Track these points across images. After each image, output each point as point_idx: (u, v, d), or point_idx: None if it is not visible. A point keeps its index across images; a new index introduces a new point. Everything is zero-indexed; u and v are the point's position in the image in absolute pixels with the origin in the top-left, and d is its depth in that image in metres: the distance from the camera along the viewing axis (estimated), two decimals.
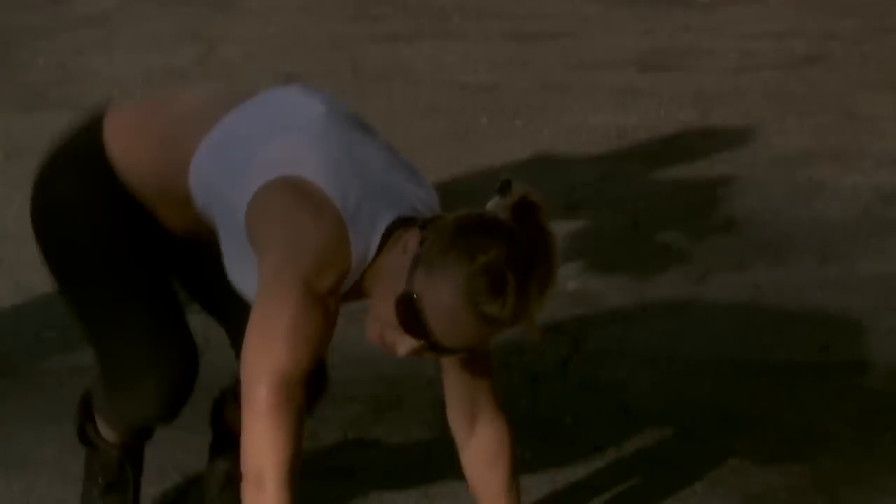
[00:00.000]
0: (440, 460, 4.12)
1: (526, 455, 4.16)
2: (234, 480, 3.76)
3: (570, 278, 5.38)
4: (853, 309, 5.21)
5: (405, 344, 3.38)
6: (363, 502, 4.14)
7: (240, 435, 3.47)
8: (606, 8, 8.56)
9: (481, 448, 3.72)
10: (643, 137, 6.68)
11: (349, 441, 4.41)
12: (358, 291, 3.50)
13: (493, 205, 5.14)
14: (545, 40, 8.03)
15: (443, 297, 3.30)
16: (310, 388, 3.56)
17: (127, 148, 3.73)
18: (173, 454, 4.28)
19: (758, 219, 5.89)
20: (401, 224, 3.46)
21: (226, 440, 3.99)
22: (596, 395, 4.70)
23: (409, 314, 3.34)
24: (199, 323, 3.89)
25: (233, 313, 3.78)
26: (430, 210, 3.53)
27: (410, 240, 3.40)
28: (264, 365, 3.38)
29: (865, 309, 5.21)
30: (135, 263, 3.79)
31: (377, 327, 3.42)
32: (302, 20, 8.53)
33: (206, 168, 3.58)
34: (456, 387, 3.71)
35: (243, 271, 3.54)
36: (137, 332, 3.76)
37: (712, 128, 6.79)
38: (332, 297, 3.43)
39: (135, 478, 4.02)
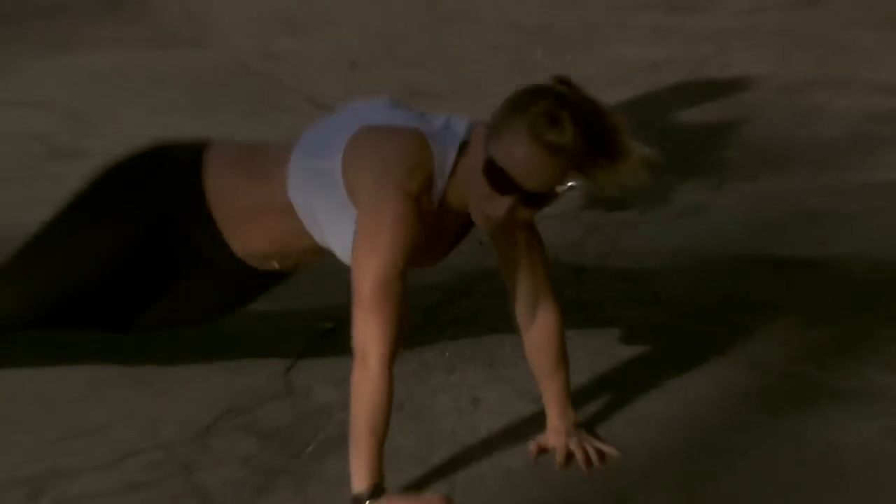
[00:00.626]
0: (502, 337, 4.18)
1: (571, 333, 4.20)
2: None
3: (607, 190, 5.37)
4: (844, 211, 5.21)
5: (502, 205, 3.41)
6: (435, 371, 4.19)
7: None
8: None
9: (539, 332, 3.78)
10: (670, 69, 6.65)
11: (429, 322, 4.45)
12: (448, 205, 3.54)
13: None
14: None
15: (515, 148, 3.35)
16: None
17: (223, 177, 3.79)
18: None
19: (764, 137, 5.88)
20: (465, 145, 3.52)
21: None
22: (629, 284, 4.72)
23: (495, 174, 3.39)
24: None
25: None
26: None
27: (479, 134, 3.48)
28: (370, 262, 3.43)
29: (854, 211, 5.21)
30: (132, 256, 3.88)
31: (478, 214, 3.48)
32: None
33: (301, 164, 3.66)
34: (519, 284, 3.75)
35: (347, 235, 3.54)
36: (38, 284, 3.91)
37: (728, 60, 6.75)
38: (424, 196, 3.48)
39: None
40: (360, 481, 3.45)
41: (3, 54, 6.92)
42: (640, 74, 6.58)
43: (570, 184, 4.94)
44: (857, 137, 5.87)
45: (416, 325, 4.25)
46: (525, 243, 3.71)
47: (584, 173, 3.45)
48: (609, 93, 6.27)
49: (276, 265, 3.90)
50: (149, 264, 3.89)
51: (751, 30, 7.12)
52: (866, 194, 5.36)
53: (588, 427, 3.86)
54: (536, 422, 3.84)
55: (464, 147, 3.53)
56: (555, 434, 3.79)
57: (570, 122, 3.33)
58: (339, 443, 3.61)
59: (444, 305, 4.56)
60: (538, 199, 3.44)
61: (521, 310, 3.79)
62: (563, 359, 3.81)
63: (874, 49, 6.77)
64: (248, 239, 3.82)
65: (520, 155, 3.35)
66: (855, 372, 4.13)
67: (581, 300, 4.56)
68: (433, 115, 3.67)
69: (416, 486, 3.63)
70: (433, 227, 3.56)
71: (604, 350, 4.26)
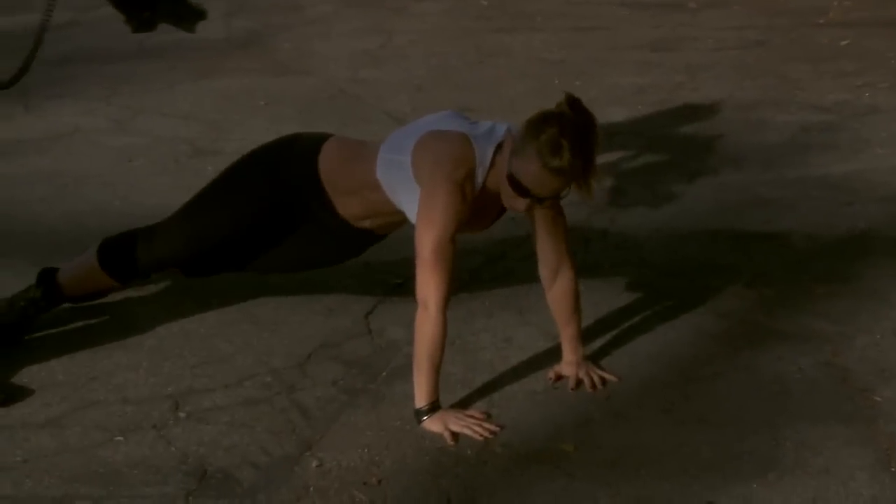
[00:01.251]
0: (528, 290, 4.09)
1: (581, 288, 4.11)
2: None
3: (608, 177, 5.30)
4: (784, 198, 5.10)
5: (521, 203, 3.45)
6: (477, 316, 4.10)
7: None
8: (631, 11, 8.43)
9: (559, 290, 3.71)
10: (654, 92, 6.57)
11: (473, 278, 4.36)
12: (488, 190, 3.52)
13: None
14: (593, 32, 7.92)
15: (528, 167, 3.37)
16: None
17: (332, 160, 3.78)
18: None
19: (724, 142, 5.78)
20: (501, 146, 3.51)
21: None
22: (624, 251, 4.62)
23: (515, 184, 3.41)
24: None
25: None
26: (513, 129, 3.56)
27: (507, 144, 3.47)
28: (428, 233, 3.42)
29: (792, 198, 5.10)
30: (265, 215, 3.84)
31: (508, 202, 3.51)
32: (445, 19, 8.44)
33: (385, 156, 3.64)
34: (545, 247, 3.68)
35: (414, 203, 3.53)
36: (204, 232, 3.87)
37: (697, 86, 6.67)
38: (467, 182, 3.47)
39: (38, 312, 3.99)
40: (420, 399, 3.46)
41: (162, 79, 6.92)
42: (631, 96, 6.51)
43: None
44: (794, 143, 5.77)
45: (463, 281, 4.18)
46: (552, 220, 3.65)
47: (577, 184, 3.42)
48: (607, 110, 6.29)
49: (368, 225, 3.84)
50: (276, 220, 3.85)
51: (714, 64, 7.06)
52: (801, 185, 5.24)
53: (593, 359, 3.80)
54: (555, 355, 3.77)
55: (500, 147, 3.52)
56: (568, 365, 3.72)
57: (569, 150, 3.30)
58: (406, 370, 3.57)
59: (485, 266, 4.48)
60: (549, 198, 3.47)
61: (544, 271, 3.72)
62: (577, 309, 3.73)
63: (806, 78, 6.71)
64: (349, 205, 3.78)
65: (530, 173, 3.38)
66: (795, 319, 4.05)
67: (588, 263, 4.46)
68: (482, 122, 3.66)
69: (462, 404, 3.59)
70: (477, 206, 3.54)
71: (604, 301, 4.18)
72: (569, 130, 3.32)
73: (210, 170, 5.34)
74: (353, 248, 4.00)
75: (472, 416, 3.46)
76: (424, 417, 3.43)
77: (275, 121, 6.05)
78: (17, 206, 5.12)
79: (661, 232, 4.77)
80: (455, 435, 3.39)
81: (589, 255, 4.55)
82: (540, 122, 3.36)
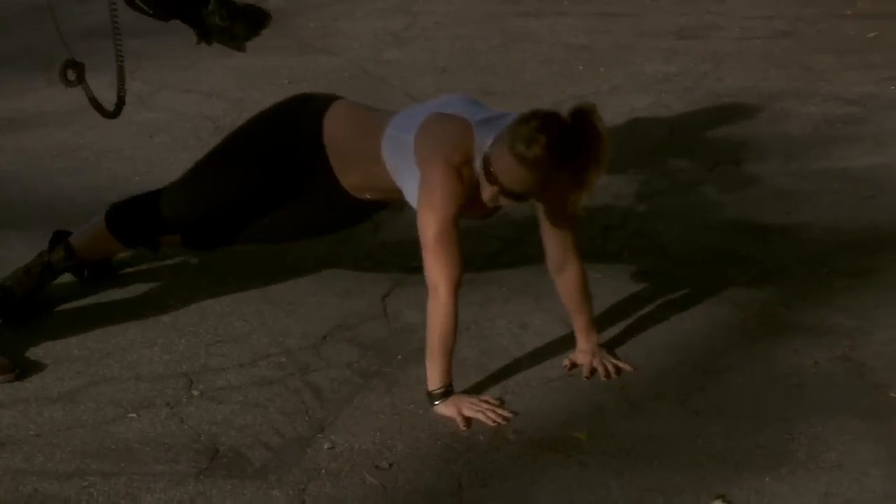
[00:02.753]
0: (547, 276, 4.04)
1: (598, 276, 4.11)
2: None
3: (630, 165, 5.28)
4: (806, 190, 5.06)
5: (489, 191, 3.41)
6: (494, 301, 4.09)
7: None
8: None
9: (566, 282, 3.69)
10: (679, 80, 6.53)
11: (487, 264, 4.33)
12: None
13: None
14: (620, 17, 7.87)
15: (500, 153, 3.35)
16: None
17: (336, 125, 3.74)
18: None
19: (747, 132, 5.73)
20: None
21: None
22: (643, 240, 4.59)
23: (485, 168, 3.38)
24: None
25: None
26: None
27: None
28: (429, 217, 3.40)
29: (814, 190, 5.05)
30: (268, 176, 3.81)
31: (482, 190, 3.46)
32: (471, 2, 8.39)
33: (392, 133, 3.60)
34: (550, 243, 3.67)
35: (412, 183, 3.52)
36: (209, 194, 3.88)
37: (722, 75, 6.62)
38: (464, 167, 3.43)
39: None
40: (433, 383, 3.45)
41: (186, 56, 6.90)
42: (656, 84, 6.46)
43: None
44: (817, 135, 5.71)
45: (480, 266, 4.18)
46: (558, 212, 3.59)
47: (549, 186, 3.40)
48: (631, 97, 6.26)
49: (369, 196, 3.82)
50: (279, 185, 3.82)
51: (739, 53, 7.00)
52: (824, 178, 5.19)
53: (608, 348, 3.78)
54: (570, 342, 3.76)
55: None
56: (582, 353, 3.71)
57: (543, 146, 3.26)
58: (421, 354, 3.55)
59: (503, 251, 4.46)
60: (515, 195, 3.41)
61: (551, 264, 3.70)
62: (587, 299, 3.71)
63: (831, 69, 6.65)
64: (351, 176, 3.76)
65: (500, 158, 3.35)
66: (813, 312, 4.02)
67: (606, 251, 4.46)
68: (491, 110, 3.61)
69: (476, 390, 3.57)
70: (475, 193, 3.49)
71: (622, 289, 4.16)
72: (553, 130, 3.29)
73: None
74: (353, 218, 3.99)
75: (485, 402, 3.44)
76: (437, 402, 3.42)
77: None
78: (37, 178, 5.13)
79: (681, 221, 4.74)
80: (468, 420, 3.38)
81: (608, 243, 4.53)
82: (528, 116, 3.35)
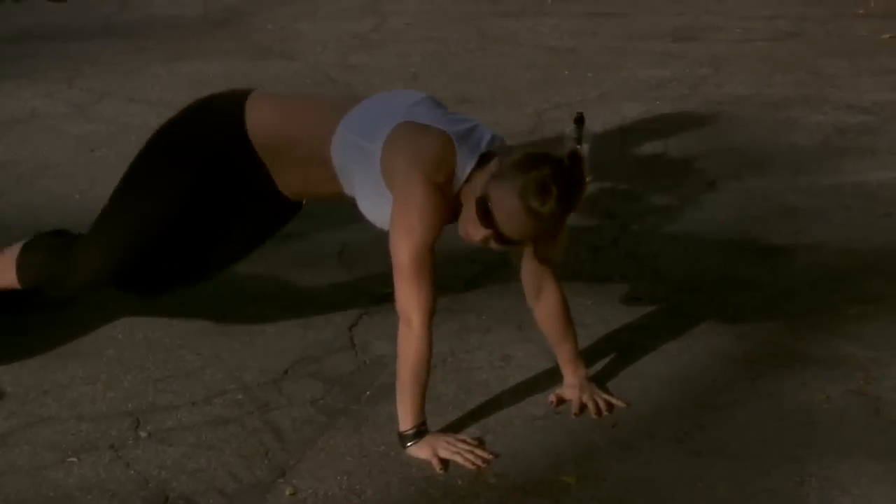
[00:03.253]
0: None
1: (587, 302, 4.12)
2: None
3: (621, 180, 5.32)
4: (815, 207, 5.10)
5: (480, 232, 3.39)
6: (473, 331, 4.10)
7: None
8: None
9: (544, 308, 3.71)
10: (674, 87, 6.58)
11: (465, 290, 4.35)
12: (457, 204, 3.46)
13: (568, 131, 5.11)
14: (609, 18, 7.94)
15: (505, 197, 3.31)
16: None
17: (264, 118, 3.66)
18: None
19: (750, 144, 5.80)
20: (489, 157, 3.46)
21: None
22: (636, 262, 4.61)
23: (483, 210, 3.35)
24: None
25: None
26: (501, 145, 3.53)
27: (493, 165, 3.41)
28: (405, 241, 3.38)
29: (824, 207, 5.10)
30: (195, 197, 3.72)
31: (464, 225, 3.44)
32: (445, 1, 8.45)
33: (347, 135, 3.55)
34: (525, 269, 3.69)
35: (373, 204, 3.52)
36: (130, 237, 3.74)
37: (721, 81, 6.69)
38: (446, 186, 3.42)
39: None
40: (405, 422, 3.44)
41: (131, 60, 6.93)
42: (649, 91, 6.51)
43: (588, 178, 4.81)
44: (827, 147, 5.78)
45: (458, 292, 4.21)
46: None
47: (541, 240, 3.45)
48: (623, 105, 6.31)
49: (304, 201, 3.83)
50: (209, 202, 3.75)
51: (741, 56, 7.08)
52: (835, 194, 5.25)
53: (599, 381, 3.78)
54: (558, 376, 3.76)
55: (482, 159, 3.47)
56: (570, 388, 3.72)
57: (556, 197, 3.28)
58: (393, 389, 3.53)
59: (482, 275, 4.47)
60: (510, 242, 3.42)
61: (528, 291, 3.71)
62: (569, 327, 3.72)
63: (842, 74, 6.73)
64: (288, 176, 3.71)
65: (506, 205, 3.32)
66: (823, 342, 4.04)
67: (597, 274, 4.48)
68: (461, 117, 3.59)
69: (453, 429, 3.56)
70: (456, 212, 3.49)
71: (613, 317, 4.17)
72: (561, 179, 3.30)
73: None
74: (280, 221, 3.95)
75: (463, 442, 3.45)
76: (410, 443, 3.42)
77: None
78: None
79: (678, 242, 4.77)
80: (444, 463, 3.38)
81: (598, 266, 4.55)
82: (536, 159, 3.34)
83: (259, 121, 3.66)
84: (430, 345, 3.40)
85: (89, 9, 7.57)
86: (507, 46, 7.38)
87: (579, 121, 5.32)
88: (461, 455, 3.40)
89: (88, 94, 6.38)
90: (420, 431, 3.42)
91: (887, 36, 7.31)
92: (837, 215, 5.01)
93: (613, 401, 3.68)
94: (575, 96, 6.33)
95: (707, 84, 6.63)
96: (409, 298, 3.39)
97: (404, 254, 3.38)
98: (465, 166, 3.43)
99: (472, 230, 3.42)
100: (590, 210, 3.46)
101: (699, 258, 4.64)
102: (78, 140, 5.77)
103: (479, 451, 3.42)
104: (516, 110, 6.04)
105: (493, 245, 3.43)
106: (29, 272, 3.89)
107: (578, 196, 3.35)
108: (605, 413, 3.64)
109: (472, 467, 3.37)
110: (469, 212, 3.41)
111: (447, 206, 3.42)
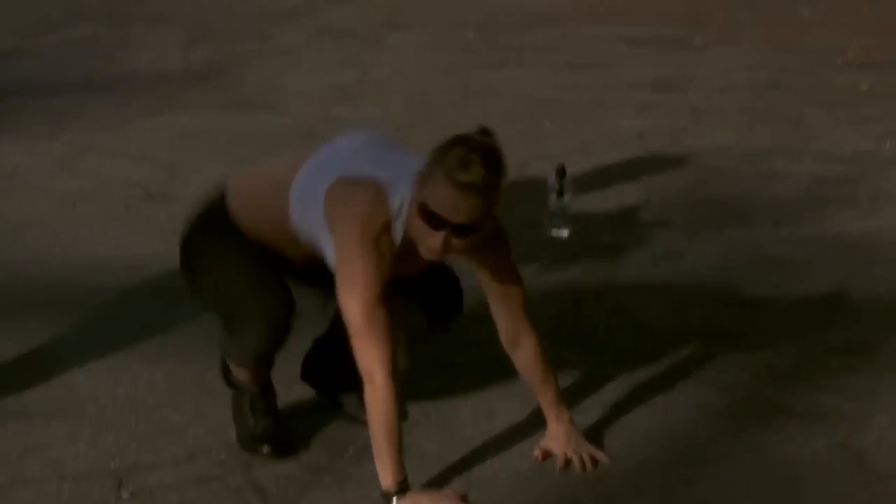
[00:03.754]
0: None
1: (571, 356, 4.11)
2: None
3: (603, 232, 5.32)
4: (797, 258, 5.11)
5: (437, 238, 3.35)
6: (457, 385, 4.08)
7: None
8: (630, 47, 8.48)
9: (523, 355, 3.72)
10: (655, 137, 6.60)
11: (449, 344, 4.29)
12: (411, 242, 3.44)
13: (551, 183, 5.09)
14: (590, 69, 7.96)
15: (438, 191, 3.31)
16: (446, 310, 3.73)
17: (243, 210, 3.67)
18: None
19: (731, 195, 5.80)
20: None
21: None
22: (620, 315, 4.60)
23: (425, 212, 3.34)
24: None
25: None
26: None
27: (416, 180, 3.41)
28: (352, 300, 3.37)
29: (805, 258, 5.10)
30: (245, 257, 3.67)
31: (423, 249, 3.40)
32: (427, 53, 8.48)
33: (298, 200, 3.55)
34: (501, 316, 3.69)
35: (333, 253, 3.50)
36: (244, 290, 3.63)
37: (702, 131, 6.71)
38: (383, 237, 3.41)
39: (269, 404, 3.84)
40: (387, 481, 3.40)
41: (114, 114, 6.93)
42: (630, 141, 6.52)
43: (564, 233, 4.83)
44: (808, 197, 5.78)
45: (440, 345, 4.18)
46: (504, 283, 3.64)
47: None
48: (604, 155, 6.32)
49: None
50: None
51: (720, 107, 7.10)
52: (816, 244, 5.26)
53: (584, 436, 3.76)
54: (543, 428, 3.75)
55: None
56: (555, 439, 3.70)
57: (480, 164, 3.29)
58: None
59: (468, 328, 4.40)
60: (466, 229, 3.36)
61: (505, 338, 3.72)
62: (550, 372, 3.72)
63: (822, 125, 6.75)
64: (281, 251, 3.67)
65: (442, 196, 3.31)
66: (808, 394, 4.03)
67: (579, 328, 4.47)
68: (399, 156, 3.58)
69: (437, 484, 3.55)
70: (403, 260, 3.47)
71: (597, 371, 4.16)
72: (478, 148, 3.32)
73: (163, 217, 5.36)
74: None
75: (448, 498, 3.43)
76: (394, 500, 3.40)
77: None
78: None
79: (661, 294, 4.76)
80: None
81: (581, 319, 4.54)
82: (446, 145, 3.35)
83: (241, 223, 3.66)
84: (396, 397, 3.37)
85: (72, 63, 7.58)
86: (489, 98, 7.40)
87: (561, 172, 5.33)
88: None
89: (71, 149, 6.37)
90: (402, 489, 3.39)
91: (866, 86, 7.34)
92: (819, 266, 5.01)
93: (598, 455, 3.66)
94: (557, 147, 6.34)
95: (688, 134, 6.65)
96: (368, 355, 3.37)
97: (355, 313, 3.37)
98: (401, 209, 3.43)
99: (430, 242, 3.37)
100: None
101: (682, 310, 4.63)
102: (60, 195, 5.75)
103: None
104: None
105: (456, 244, 3.38)
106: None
107: (500, 158, 3.35)
108: (589, 468, 3.62)
109: None
110: (417, 232, 3.39)
111: (386, 259, 3.41)
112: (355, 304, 3.37)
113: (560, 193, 5.29)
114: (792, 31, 8.36)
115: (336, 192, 3.47)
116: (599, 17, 8.92)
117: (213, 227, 3.71)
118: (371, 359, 3.36)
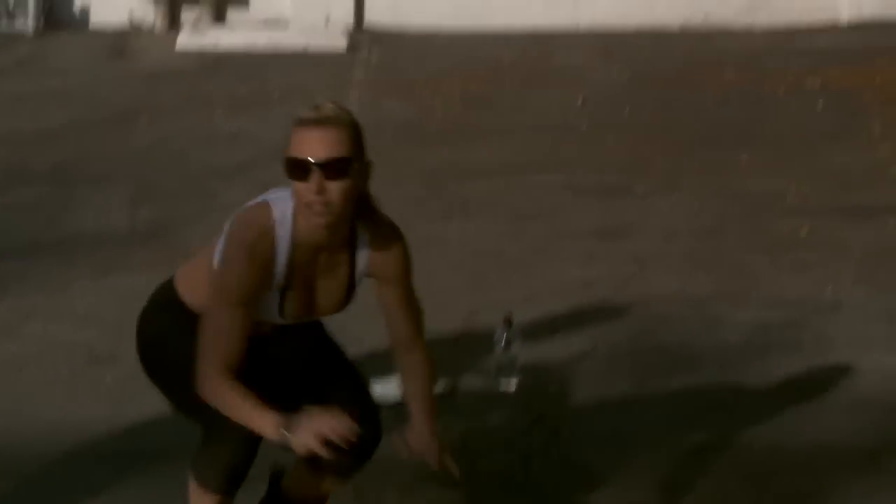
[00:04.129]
0: None
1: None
2: None
3: (551, 383, 5.32)
4: (743, 405, 5.14)
5: (312, 187, 3.43)
6: None
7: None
8: (574, 195, 8.50)
9: (413, 361, 3.80)
10: (601, 286, 6.62)
11: None
12: (304, 244, 3.56)
13: (497, 334, 5.10)
14: (532, 219, 7.98)
15: (294, 139, 3.46)
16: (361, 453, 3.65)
17: (191, 294, 3.77)
18: None
19: (677, 341, 5.83)
20: None
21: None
22: (570, 468, 4.59)
23: (291, 164, 3.44)
24: None
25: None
26: None
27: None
28: (213, 291, 3.58)
29: (752, 405, 5.14)
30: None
31: (308, 214, 3.50)
32: None
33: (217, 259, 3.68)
34: (397, 325, 3.79)
35: None
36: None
37: (646, 279, 6.74)
38: (260, 241, 3.55)
39: None
40: (269, 426, 3.40)
41: (58, 277, 6.88)
42: (577, 290, 6.54)
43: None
44: (753, 343, 5.81)
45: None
46: (399, 299, 3.79)
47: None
48: (549, 305, 6.32)
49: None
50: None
51: (664, 254, 7.14)
52: (763, 390, 5.28)
53: None
54: None
55: None
56: (418, 435, 3.75)
57: (331, 105, 3.47)
58: None
59: None
60: (332, 167, 3.41)
61: (398, 342, 3.80)
62: (433, 386, 3.88)
63: (765, 270, 6.80)
64: None
65: (298, 140, 3.43)
66: None
67: (527, 485, 4.45)
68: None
69: None
70: (306, 265, 3.58)
71: None
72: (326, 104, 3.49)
73: (109, 379, 5.32)
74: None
75: (332, 414, 3.40)
76: (289, 432, 3.36)
77: None
78: None
79: (611, 444, 4.76)
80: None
81: (529, 476, 4.51)
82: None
83: (186, 292, 3.79)
84: (230, 380, 3.44)
85: (16, 227, 7.56)
86: (435, 249, 7.39)
87: (507, 323, 5.35)
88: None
89: (14, 314, 6.31)
90: (285, 421, 3.37)
91: (805, 232, 7.42)
92: (766, 412, 5.02)
93: (453, 470, 3.71)
94: (501, 297, 6.34)
95: (633, 282, 6.68)
96: (210, 351, 3.45)
97: (210, 307, 3.51)
98: (285, 215, 3.53)
99: (305, 195, 3.43)
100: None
101: (632, 460, 4.62)
102: (3, 361, 5.69)
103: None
104: (444, 312, 6.02)
105: (332, 188, 3.43)
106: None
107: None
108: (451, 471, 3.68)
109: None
110: (297, 199, 3.47)
111: (259, 263, 3.51)
112: (213, 298, 3.49)
113: (508, 344, 5.31)
114: (732, 178, 8.42)
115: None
116: (542, 167, 8.99)
117: (165, 312, 3.84)
118: (212, 355, 3.44)
